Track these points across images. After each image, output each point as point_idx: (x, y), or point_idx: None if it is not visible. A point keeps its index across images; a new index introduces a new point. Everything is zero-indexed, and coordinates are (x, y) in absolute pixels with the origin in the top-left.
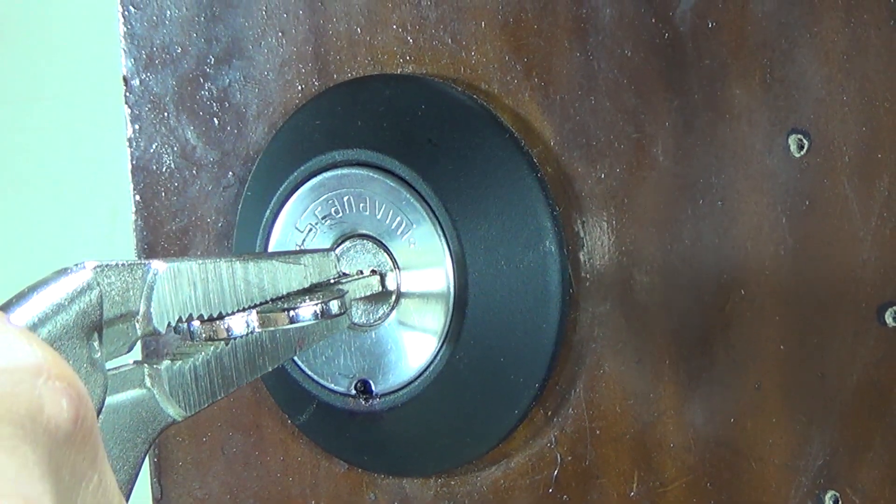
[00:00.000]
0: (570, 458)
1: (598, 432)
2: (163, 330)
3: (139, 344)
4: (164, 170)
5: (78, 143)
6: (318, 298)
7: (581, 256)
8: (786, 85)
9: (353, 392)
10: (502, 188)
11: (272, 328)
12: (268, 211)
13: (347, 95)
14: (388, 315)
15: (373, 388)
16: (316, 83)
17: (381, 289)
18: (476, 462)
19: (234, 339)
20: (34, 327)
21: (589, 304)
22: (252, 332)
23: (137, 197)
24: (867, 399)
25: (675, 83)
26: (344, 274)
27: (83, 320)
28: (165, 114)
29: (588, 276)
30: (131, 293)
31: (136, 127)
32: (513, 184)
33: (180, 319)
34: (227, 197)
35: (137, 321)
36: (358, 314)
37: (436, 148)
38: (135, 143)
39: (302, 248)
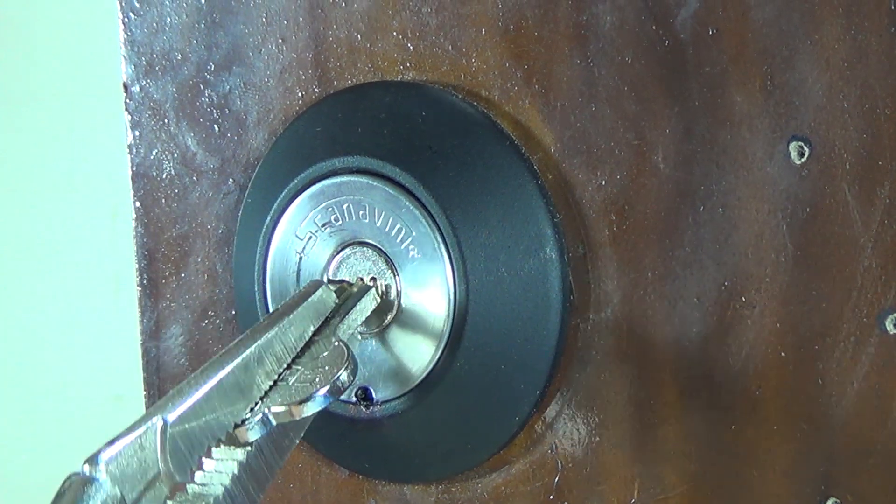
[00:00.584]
0: (570, 465)
1: (598, 439)
2: (188, 479)
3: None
4: (164, 176)
5: (78, 149)
6: (324, 375)
7: (582, 264)
8: (786, 92)
9: (354, 399)
10: (503, 195)
11: (289, 420)
12: (268, 218)
13: (348, 102)
14: (389, 322)
15: (373, 395)
16: (316, 90)
17: (378, 302)
18: (477, 469)
19: (257, 440)
20: None
21: (589, 312)
22: (270, 430)
23: (137, 203)
24: (868, 406)
25: (676, 90)
26: (341, 286)
27: None
28: (166, 120)
29: (589, 283)
30: (148, 463)
31: (137, 133)
32: (513, 191)
33: (200, 458)
34: (227, 203)
35: (161, 481)
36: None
37: (436, 155)
38: (135, 150)
39: (302, 256)
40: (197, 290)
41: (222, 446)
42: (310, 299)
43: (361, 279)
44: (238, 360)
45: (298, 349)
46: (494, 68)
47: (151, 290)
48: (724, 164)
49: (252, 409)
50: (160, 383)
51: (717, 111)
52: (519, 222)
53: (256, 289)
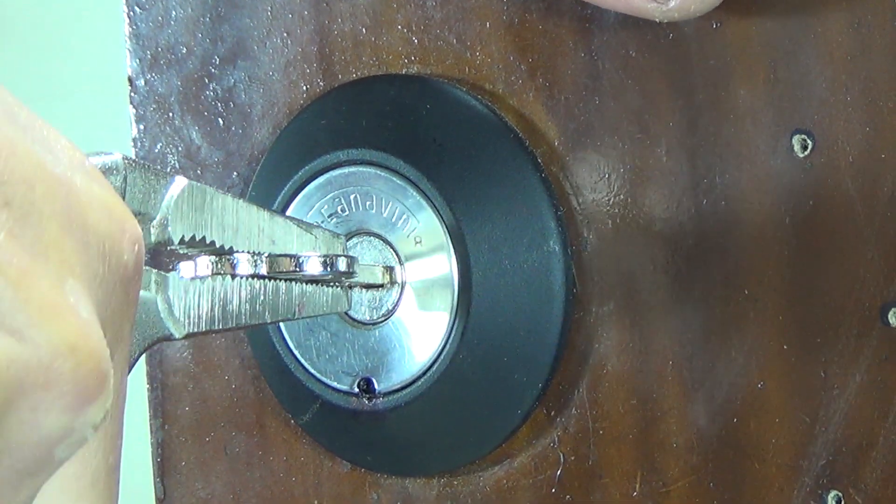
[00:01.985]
0: (573, 457)
1: (601, 432)
2: (175, 241)
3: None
4: (168, 170)
5: (83, 142)
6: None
7: (585, 256)
8: (790, 85)
9: (357, 391)
10: (506, 188)
11: (279, 272)
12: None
13: (352, 95)
14: (392, 313)
15: (376, 386)
16: (321, 83)
17: (385, 280)
18: (479, 462)
19: (240, 276)
20: None
21: (593, 304)
22: (258, 273)
23: None
24: (870, 399)
25: (680, 83)
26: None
27: None
28: (170, 114)
29: (592, 275)
30: (152, 195)
31: (141, 127)
32: (517, 184)
33: (193, 238)
34: None
35: (153, 226)
36: (361, 311)
37: (440, 148)
38: (139, 143)
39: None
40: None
41: (210, 266)
42: (328, 232)
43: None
44: (259, 211)
45: (308, 250)
46: (499, 61)
47: None
48: (728, 157)
49: (249, 252)
50: (163, 376)
51: (721, 104)
52: (522, 215)
53: None
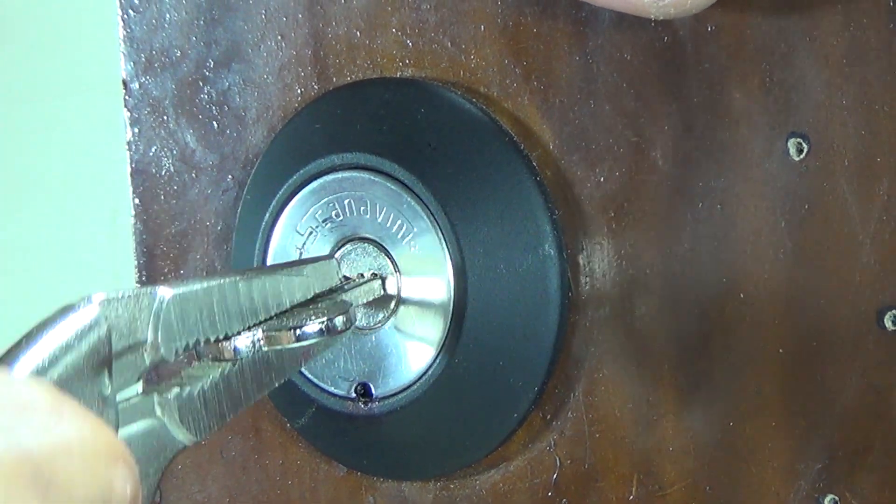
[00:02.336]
0: (569, 461)
1: (597, 436)
2: (171, 358)
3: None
4: (163, 173)
5: (77, 146)
6: (322, 314)
7: (580, 260)
8: (785, 89)
9: (353, 395)
10: (501, 192)
11: (278, 347)
12: (267, 214)
13: (347, 99)
14: (389, 318)
15: (373, 391)
16: (315, 87)
17: (383, 293)
18: (475, 465)
19: (241, 359)
20: (44, 370)
21: (588, 308)
22: (258, 352)
23: (137, 200)
24: (866, 403)
25: (675, 87)
26: (346, 278)
27: (93, 358)
28: (165, 117)
29: (587, 279)
30: (138, 323)
31: (136, 130)
32: (512, 187)
33: (188, 346)
34: (226, 200)
35: (146, 350)
36: (358, 317)
37: (435, 152)
38: (134, 147)
39: (302, 251)
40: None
41: (209, 353)
42: (318, 263)
43: (362, 275)
44: (244, 280)
45: (300, 301)
46: (493, 65)
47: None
48: (723, 160)
49: (247, 329)
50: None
51: (716, 108)
52: (518, 219)
53: None
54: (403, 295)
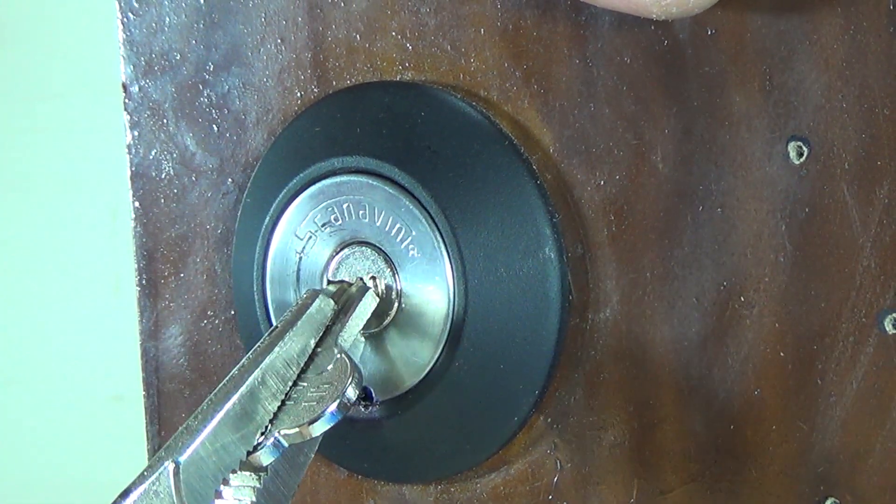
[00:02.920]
0: (569, 464)
1: (598, 439)
2: None
3: None
4: (163, 176)
5: (77, 149)
6: (330, 388)
7: (581, 264)
8: (785, 92)
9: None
10: (501, 195)
11: (300, 441)
12: (267, 218)
13: (346, 102)
14: (388, 322)
15: (373, 394)
16: (315, 90)
17: (380, 295)
18: (476, 468)
19: (272, 464)
20: None
21: (589, 311)
22: (284, 451)
23: (137, 203)
24: (867, 406)
25: (675, 90)
26: (340, 287)
27: None
28: (164, 120)
29: (588, 283)
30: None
31: (136, 133)
32: (512, 191)
33: (218, 491)
34: (226, 203)
35: None
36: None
37: (435, 155)
38: (134, 150)
39: (302, 255)
40: (196, 291)
41: (238, 473)
42: (308, 312)
43: (361, 279)
44: (243, 387)
45: (302, 364)
46: (493, 68)
47: (150, 290)
48: (723, 163)
49: (263, 434)
50: (159, 383)
51: (716, 111)
52: (518, 222)
53: (255, 289)
54: (403, 299)
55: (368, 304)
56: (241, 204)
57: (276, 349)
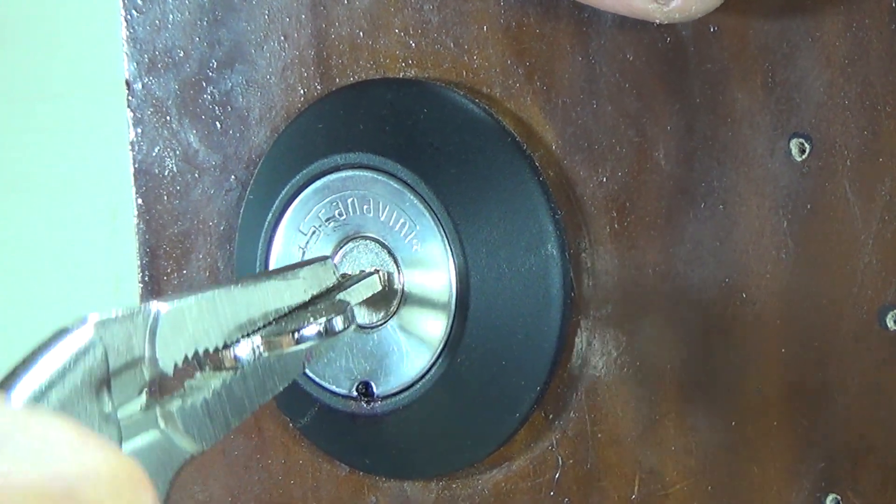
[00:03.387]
0: (571, 461)
1: (599, 435)
2: (170, 371)
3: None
4: (166, 173)
5: (80, 146)
6: (321, 315)
7: (583, 260)
8: (787, 89)
9: (355, 394)
10: (504, 192)
11: (278, 351)
12: (270, 214)
13: (349, 99)
14: (391, 317)
15: (374, 390)
16: (318, 87)
17: (383, 286)
18: (477, 465)
19: (242, 366)
20: (42, 394)
21: (590, 308)
22: (259, 358)
23: (139, 200)
24: (868, 402)
25: (677, 87)
26: (344, 275)
27: (91, 378)
28: (168, 117)
29: (589, 279)
30: (134, 340)
31: (139, 131)
32: (515, 187)
33: (186, 358)
34: (229, 200)
35: (144, 366)
36: (360, 315)
37: (437, 152)
38: (137, 147)
39: (305, 251)
40: (199, 287)
41: (209, 363)
42: (313, 264)
43: (363, 271)
44: (239, 289)
45: (297, 304)
46: (496, 65)
47: (153, 287)
48: (725, 160)
49: (244, 336)
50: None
51: (718, 108)
52: (520, 219)
53: None
54: (406, 293)
55: (373, 282)
56: (244, 201)
57: (278, 279)
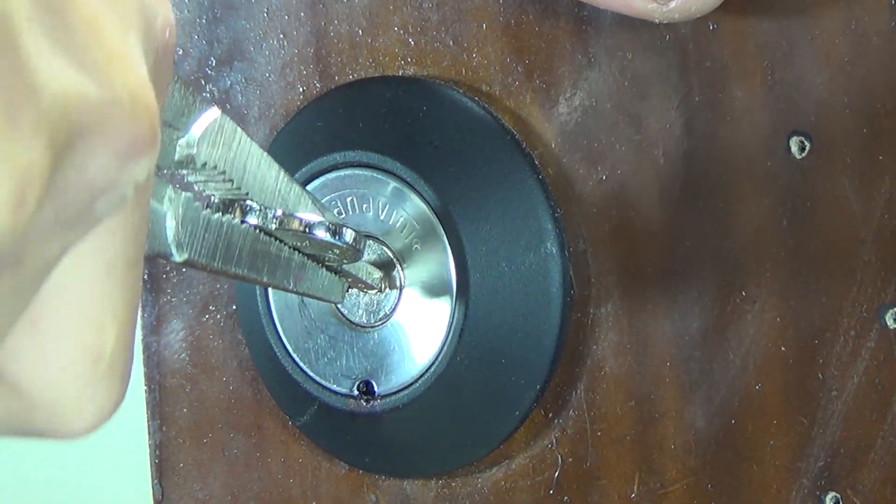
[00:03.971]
0: (570, 459)
1: (598, 434)
2: (198, 164)
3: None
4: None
5: None
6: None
7: (582, 258)
8: (786, 87)
9: (356, 393)
10: (504, 190)
11: (287, 230)
12: None
13: (349, 97)
14: (391, 315)
15: (375, 389)
16: (317, 85)
17: (380, 278)
18: (477, 463)
19: (248, 223)
20: None
21: (590, 306)
22: (265, 228)
23: None
24: (868, 400)
25: (676, 85)
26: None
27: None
28: None
29: (589, 277)
30: (186, 113)
31: None
32: (514, 186)
33: (215, 168)
34: None
35: (179, 144)
36: (360, 314)
37: (437, 150)
38: None
39: None
40: (197, 286)
41: (232, 201)
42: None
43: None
44: (281, 170)
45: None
46: (495, 63)
47: (152, 285)
48: (725, 158)
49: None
50: (161, 378)
51: (718, 106)
52: (520, 217)
53: None
54: (406, 292)
55: (372, 270)
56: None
57: (313, 199)
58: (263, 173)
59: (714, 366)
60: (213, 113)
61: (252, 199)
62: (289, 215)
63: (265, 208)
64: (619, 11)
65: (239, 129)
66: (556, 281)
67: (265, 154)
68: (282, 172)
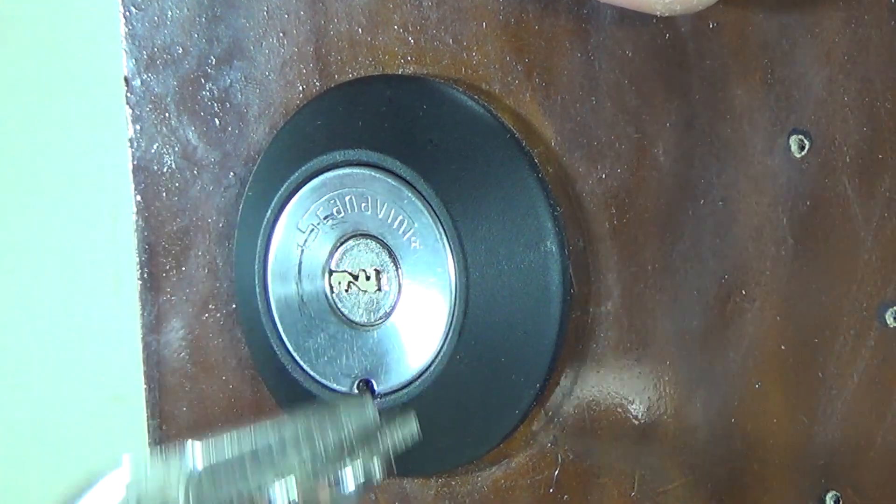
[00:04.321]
0: (570, 457)
1: (598, 432)
2: None
3: None
4: (165, 170)
5: (79, 143)
6: (356, 456)
7: (582, 257)
8: (787, 85)
9: (355, 392)
10: (503, 188)
11: (312, 499)
12: (269, 211)
13: (348, 96)
14: (390, 314)
15: (375, 387)
16: (317, 83)
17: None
18: (477, 462)
19: None
20: None
21: (590, 305)
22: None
23: (138, 197)
24: (868, 399)
25: (676, 83)
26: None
27: None
28: (167, 114)
29: (589, 276)
30: (169, 490)
31: (138, 127)
32: (514, 184)
33: None
34: (228, 197)
35: None
36: (359, 313)
37: (437, 148)
38: (136, 144)
39: (304, 248)
40: (197, 284)
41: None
42: (352, 403)
43: (364, 270)
44: (277, 437)
45: (333, 445)
46: (495, 62)
47: (152, 283)
48: (725, 157)
49: (279, 477)
50: (160, 377)
51: (718, 105)
52: (519, 215)
53: (257, 282)
54: (405, 291)
55: (411, 429)
56: (243, 197)
57: (317, 425)
58: (265, 455)
59: (714, 364)
60: (193, 470)
61: (270, 484)
62: (311, 488)
63: (287, 489)
64: (621, 5)
65: (219, 448)
66: (556, 279)
67: (255, 431)
68: (284, 431)
